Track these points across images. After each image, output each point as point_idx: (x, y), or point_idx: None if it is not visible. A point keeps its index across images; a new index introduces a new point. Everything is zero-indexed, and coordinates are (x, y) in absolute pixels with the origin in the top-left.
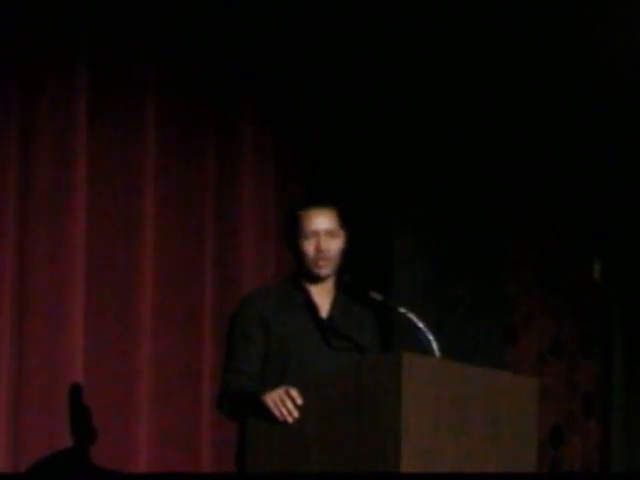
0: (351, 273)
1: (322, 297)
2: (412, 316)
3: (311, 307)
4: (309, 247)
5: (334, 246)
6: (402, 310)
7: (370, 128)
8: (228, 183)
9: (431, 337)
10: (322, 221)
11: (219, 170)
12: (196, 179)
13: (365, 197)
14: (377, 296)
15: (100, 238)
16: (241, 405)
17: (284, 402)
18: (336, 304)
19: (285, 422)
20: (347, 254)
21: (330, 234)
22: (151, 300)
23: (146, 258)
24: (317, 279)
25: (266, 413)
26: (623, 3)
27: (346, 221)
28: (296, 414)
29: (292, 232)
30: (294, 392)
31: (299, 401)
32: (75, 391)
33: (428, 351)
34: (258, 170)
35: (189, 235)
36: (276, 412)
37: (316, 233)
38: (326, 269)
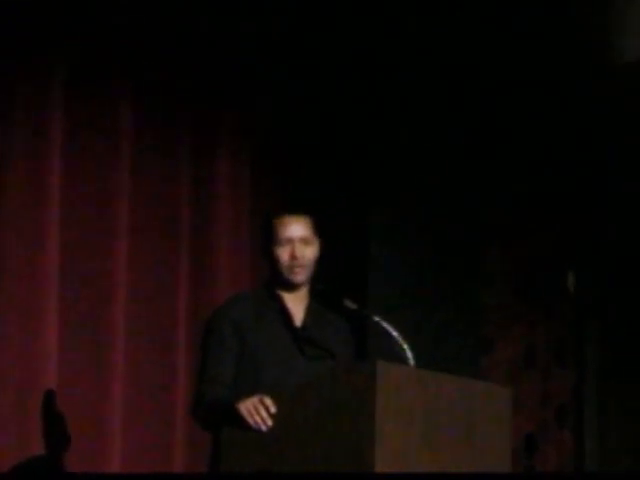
0: (325, 282)
1: (296, 305)
2: (386, 325)
3: (285, 315)
4: (283, 254)
5: (309, 253)
6: (376, 319)
7: (343, 135)
8: (203, 191)
9: (405, 346)
10: (296, 228)
11: (194, 177)
12: (171, 187)
13: (339, 205)
14: (351, 305)
15: (74, 244)
16: (215, 414)
17: (258, 410)
18: (310, 312)
19: (259, 431)
20: (321, 262)
21: (305, 241)
22: (125, 307)
23: (120, 265)
24: (291, 287)
25: (240, 422)
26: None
27: (321, 229)
28: (270, 423)
29: (267, 239)
30: (268, 401)
31: (273, 409)
32: (48, 398)
33: (402, 360)
34: (233, 178)
35: (163, 243)
36: (250, 421)
37: (290, 240)
38: (300, 276)
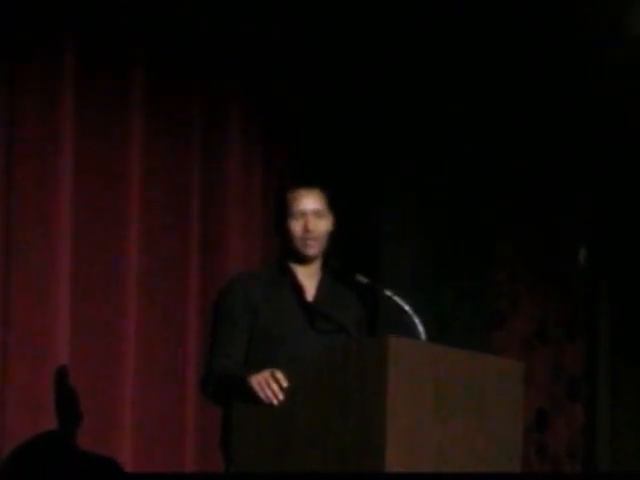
0: (338, 257)
1: (308, 280)
2: (398, 299)
3: (297, 289)
4: (297, 227)
5: (322, 226)
6: (388, 293)
7: (357, 113)
8: (214, 169)
9: (417, 320)
10: (310, 201)
11: (205, 155)
12: (182, 164)
13: (352, 181)
14: (363, 279)
15: (86, 225)
16: (226, 388)
17: (269, 384)
18: (322, 287)
19: (270, 404)
20: (334, 238)
21: (318, 214)
22: (136, 286)
23: (131, 245)
24: (304, 260)
25: (251, 396)
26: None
27: (333, 204)
28: (281, 396)
29: (279, 213)
30: (279, 374)
31: (284, 383)
32: (60, 374)
33: (414, 334)
34: (244, 155)
35: (174, 222)
36: (261, 394)
37: (304, 213)
38: (313, 249)
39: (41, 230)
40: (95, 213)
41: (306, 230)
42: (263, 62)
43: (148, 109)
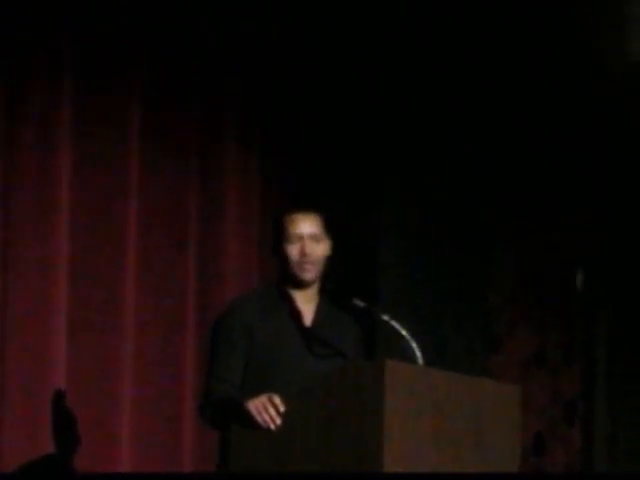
0: (335, 281)
1: (306, 304)
2: (395, 324)
3: (295, 314)
4: (293, 251)
5: (318, 250)
6: (385, 318)
7: (353, 134)
8: (212, 189)
9: (414, 345)
10: (306, 225)
11: (203, 176)
12: (180, 183)
13: (349, 205)
14: (360, 304)
15: (83, 242)
16: (224, 412)
17: (267, 409)
18: (320, 311)
19: (268, 429)
20: (331, 262)
21: (314, 238)
22: (134, 306)
23: (129, 263)
24: (301, 285)
25: (249, 420)
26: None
27: (330, 228)
28: (279, 421)
29: (277, 237)
30: (277, 399)
31: (282, 408)
32: (57, 397)
33: (411, 359)
34: (242, 176)
35: (172, 241)
36: (259, 419)
37: (300, 237)
38: (310, 273)
39: (38, 247)
40: (92, 236)
41: (303, 254)
42: (261, 65)
43: (145, 124)
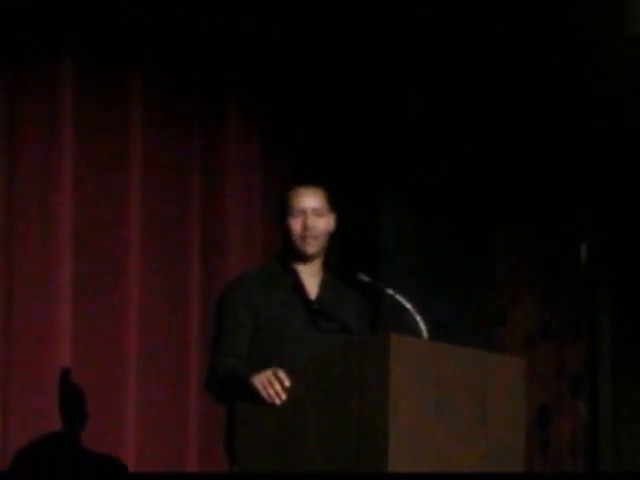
0: (339, 255)
1: (310, 279)
2: (400, 298)
3: (299, 288)
4: (296, 225)
5: (321, 224)
6: (390, 292)
7: (357, 113)
8: (214, 167)
9: (419, 318)
10: (310, 200)
11: (205, 153)
12: (182, 162)
13: (353, 181)
14: (365, 278)
15: (87, 220)
16: (229, 387)
17: (272, 384)
18: (324, 286)
19: (273, 404)
20: (335, 237)
21: (317, 213)
22: (138, 283)
23: (132, 241)
24: (304, 258)
25: (254, 395)
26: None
27: (334, 203)
28: (284, 396)
29: (280, 211)
30: (282, 374)
31: (287, 383)
32: (64, 375)
33: (416, 332)
34: (244, 156)
35: (175, 217)
36: (264, 394)
37: (303, 211)
38: (312, 247)
39: (42, 233)
40: (96, 214)
41: (305, 228)
42: (262, 62)
43: (147, 110)
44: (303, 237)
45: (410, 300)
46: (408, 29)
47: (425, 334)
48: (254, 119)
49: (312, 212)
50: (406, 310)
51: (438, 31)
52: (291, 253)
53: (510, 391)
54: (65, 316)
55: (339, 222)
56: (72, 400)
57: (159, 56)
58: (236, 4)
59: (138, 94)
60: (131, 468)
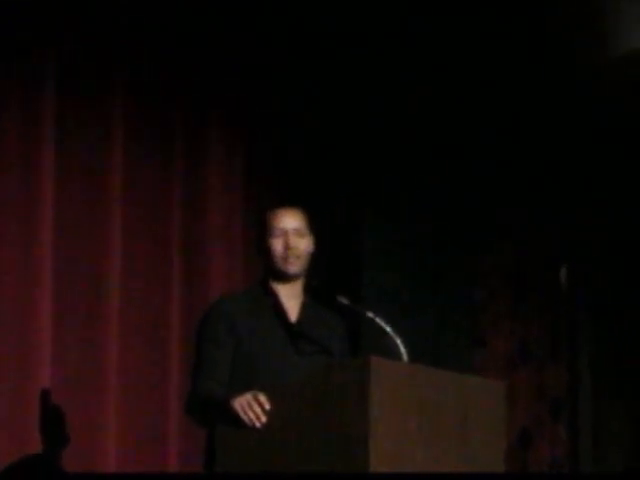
0: (319, 278)
1: (291, 301)
2: (380, 321)
3: (280, 311)
4: (277, 245)
5: (302, 245)
6: (370, 315)
7: (336, 132)
8: (195, 187)
9: (399, 341)
10: (290, 220)
11: (187, 174)
12: (164, 184)
13: (333, 202)
14: (344, 301)
15: (68, 242)
16: (210, 411)
17: (252, 407)
18: (305, 308)
19: (253, 427)
20: (315, 259)
21: (298, 233)
22: (118, 304)
23: (114, 263)
24: (286, 279)
25: (235, 419)
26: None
27: (314, 225)
28: (264, 419)
29: (261, 233)
30: (262, 397)
31: (267, 406)
32: (44, 397)
33: (396, 355)
34: (226, 175)
35: (156, 241)
36: (244, 417)
37: (285, 232)
38: (294, 267)
39: (22, 256)
40: (76, 228)
41: (287, 247)
42: (246, 80)
43: (128, 129)
44: (285, 257)
45: (390, 322)
46: (408, 29)
47: (405, 357)
48: (237, 150)
49: (293, 232)
50: (386, 333)
51: (438, 31)
52: (272, 275)
53: (491, 414)
54: (45, 337)
55: (319, 243)
56: (52, 422)
57: (142, 69)
58: (228, 11)
59: (119, 107)
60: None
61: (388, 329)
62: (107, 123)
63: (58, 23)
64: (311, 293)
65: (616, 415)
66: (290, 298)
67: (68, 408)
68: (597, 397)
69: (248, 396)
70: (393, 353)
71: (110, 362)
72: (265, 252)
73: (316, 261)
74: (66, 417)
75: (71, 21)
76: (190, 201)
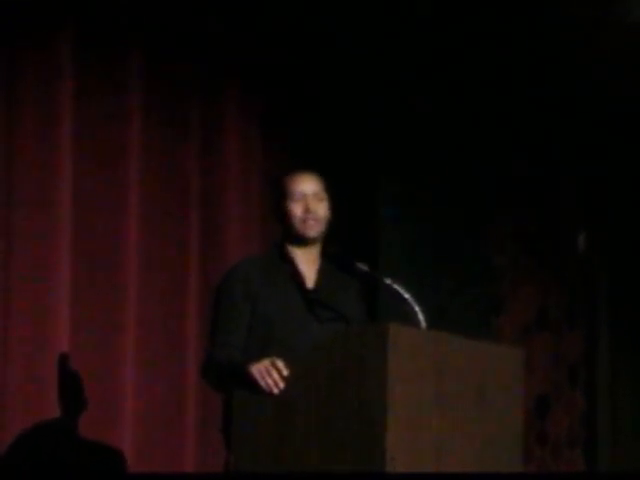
0: (337, 244)
1: (308, 267)
2: (398, 287)
3: (297, 277)
4: (297, 208)
5: (321, 209)
6: (388, 281)
7: (355, 97)
8: (213, 157)
9: (417, 308)
10: (309, 184)
11: (204, 144)
12: (181, 152)
13: (351, 169)
14: (363, 267)
15: (86, 212)
16: (226, 376)
17: (270, 373)
18: (322, 274)
19: (271, 393)
20: (333, 225)
21: (317, 197)
22: (136, 273)
23: (131, 231)
24: (304, 243)
25: (252, 384)
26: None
27: (331, 191)
28: (282, 385)
29: (278, 196)
30: (280, 363)
31: (285, 372)
32: (62, 361)
33: (414, 322)
34: (243, 140)
35: (174, 208)
36: (262, 383)
37: (304, 195)
38: (314, 230)
39: (41, 221)
40: (94, 198)
41: (307, 211)
42: (262, 61)
43: (146, 96)
44: (305, 220)
45: (408, 288)
46: (408, 29)
47: (423, 323)
48: (253, 115)
49: (313, 196)
50: (404, 299)
51: (438, 31)
52: (290, 240)
53: (509, 381)
54: (63, 310)
55: (336, 211)
56: (70, 387)
57: (158, 48)
58: (238, 3)
59: (137, 85)
60: (128, 455)
61: (406, 295)
62: (124, 90)
63: (74, 7)
64: (329, 259)
65: (634, 381)
66: (307, 264)
67: (85, 374)
68: (615, 363)
69: (266, 362)
70: (411, 319)
71: (128, 330)
72: (284, 216)
73: (333, 228)
74: (83, 382)
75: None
76: (207, 166)
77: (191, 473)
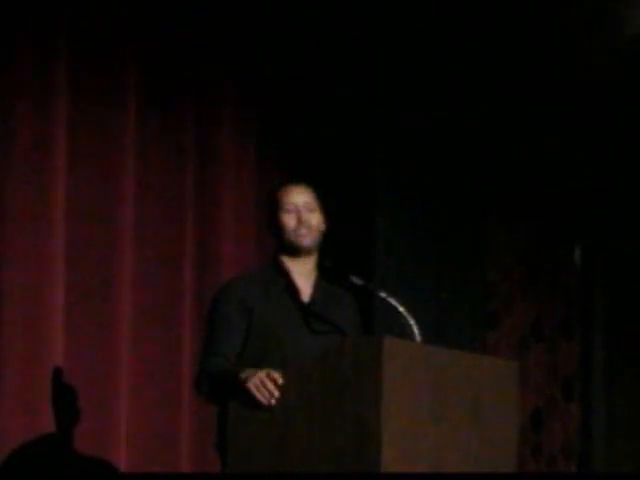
0: (332, 258)
1: (304, 280)
2: (393, 301)
3: (292, 290)
4: (290, 220)
5: (314, 219)
6: (383, 295)
7: (349, 112)
8: (209, 170)
9: (412, 322)
10: (301, 196)
11: (200, 154)
12: (176, 164)
13: (345, 182)
14: (358, 281)
15: (79, 222)
16: (220, 387)
17: (265, 384)
18: (317, 288)
19: (266, 405)
20: (327, 239)
21: (309, 208)
22: (131, 284)
23: (126, 243)
24: (298, 255)
25: (247, 396)
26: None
27: (325, 203)
28: (277, 394)
29: (272, 210)
30: (275, 374)
31: (280, 381)
32: (56, 375)
33: (409, 335)
34: (239, 156)
35: (169, 221)
36: (257, 395)
37: (296, 206)
38: (307, 240)
39: (34, 229)
40: (88, 210)
41: (299, 221)
42: (258, 61)
43: (141, 112)
44: (297, 230)
45: (402, 302)
46: (408, 29)
47: (418, 337)
48: (249, 119)
49: (305, 207)
50: (399, 313)
51: (438, 31)
52: (284, 252)
53: (503, 394)
54: (57, 319)
55: (331, 224)
56: (64, 397)
57: (154, 63)
58: (234, 17)
59: (132, 100)
60: (123, 467)
61: (401, 309)
62: (119, 106)
63: (71, 7)
64: (324, 272)
65: (629, 394)
66: (302, 276)
67: (80, 389)
68: (610, 376)
69: (261, 374)
70: (406, 333)
71: (122, 342)
72: (277, 228)
73: (328, 242)
74: (75, 396)
75: (83, 8)
76: (203, 178)
77: (190, 473)
